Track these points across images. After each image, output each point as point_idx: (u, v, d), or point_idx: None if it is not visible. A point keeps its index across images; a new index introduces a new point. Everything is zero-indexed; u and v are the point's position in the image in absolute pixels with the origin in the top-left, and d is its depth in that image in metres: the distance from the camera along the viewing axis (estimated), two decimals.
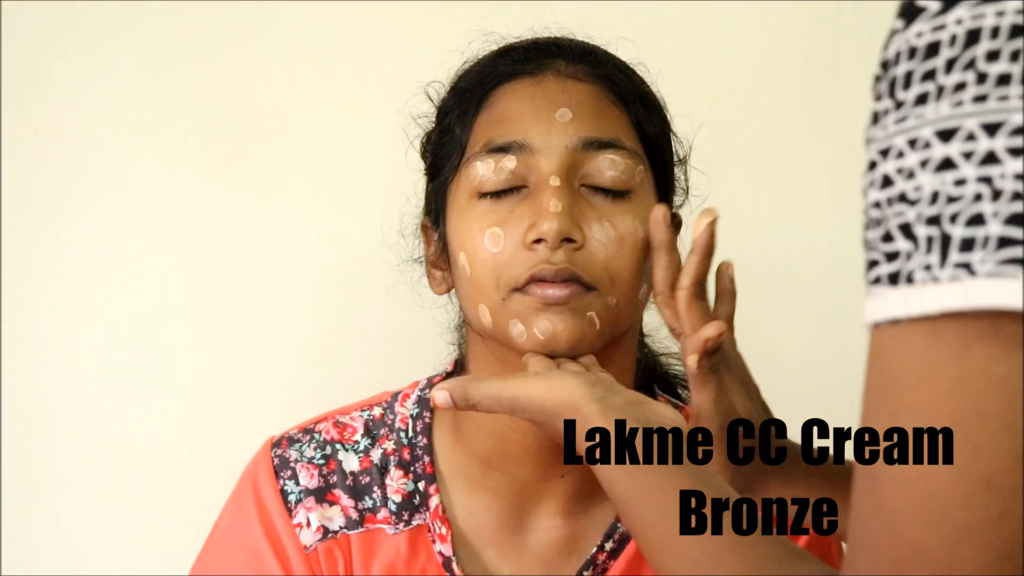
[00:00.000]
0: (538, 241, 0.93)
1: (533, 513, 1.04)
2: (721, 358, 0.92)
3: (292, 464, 1.05)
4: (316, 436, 1.06)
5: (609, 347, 0.98)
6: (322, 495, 1.04)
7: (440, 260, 1.04)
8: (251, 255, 1.46)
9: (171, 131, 1.45)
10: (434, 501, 1.04)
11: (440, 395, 0.90)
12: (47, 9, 1.43)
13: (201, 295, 1.46)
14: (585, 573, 1.03)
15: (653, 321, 1.11)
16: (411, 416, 1.07)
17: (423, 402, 1.08)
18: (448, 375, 1.08)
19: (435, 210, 1.04)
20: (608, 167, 0.97)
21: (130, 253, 1.45)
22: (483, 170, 0.97)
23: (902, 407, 0.49)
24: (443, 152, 1.03)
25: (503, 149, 0.97)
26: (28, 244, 1.44)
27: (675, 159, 1.07)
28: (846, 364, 1.49)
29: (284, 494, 1.04)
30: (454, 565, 1.02)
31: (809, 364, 1.51)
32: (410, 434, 1.06)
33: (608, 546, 1.03)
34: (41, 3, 1.43)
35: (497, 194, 0.97)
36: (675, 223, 1.07)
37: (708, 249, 0.92)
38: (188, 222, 1.46)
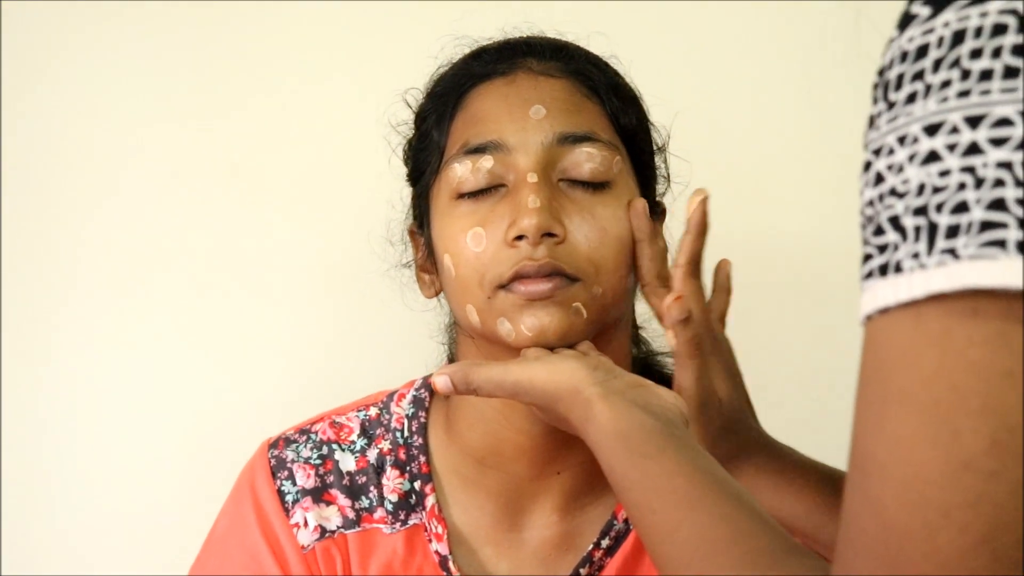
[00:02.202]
0: (519, 238, 0.94)
1: (529, 511, 1.04)
2: (707, 340, 0.93)
3: (289, 465, 1.05)
4: (312, 436, 1.07)
5: (600, 338, 0.98)
6: (319, 495, 1.04)
7: (428, 264, 1.05)
8: (247, 261, 1.47)
9: (166, 138, 1.46)
10: (430, 500, 1.04)
11: (440, 379, 0.90)
12: (47, 8, 1.42)
13: (199, 299, 1.46)
14: (582, 571, 1.03)
15: (646, 313, 1.12)
16: (406, 416, 1.07)
17: (418, 402, 1.08)
18: None
19: (419, 215, 1.05)
20: (585, 160, 0.97)
21: (128, 255, 1.45)
22: (461, 171, 0.97)
23: (888, 392, 0.51)
24: (423, 157, 1.04)
25: (480, 149, 0.97)
26: (28, 244, 1.44)
27: (654, 148, 1.07)
28: (829, 352, 1.52)
29: (281, 494, 1.04)
30: (450, 564, 1.02)
31: (793, 353, 1.52)
32: (405, 434, 1.07)
33: (604, 543, 1.03)
34: (41, 3, 1.42)
35: (477, 194, 0.97)
36: (659, 211, 1.07)
37: (702, 227, 0.95)
38: (185, 228, 1.46)
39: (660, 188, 1.09)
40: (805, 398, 1.50)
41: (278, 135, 1.47)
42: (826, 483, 0.94)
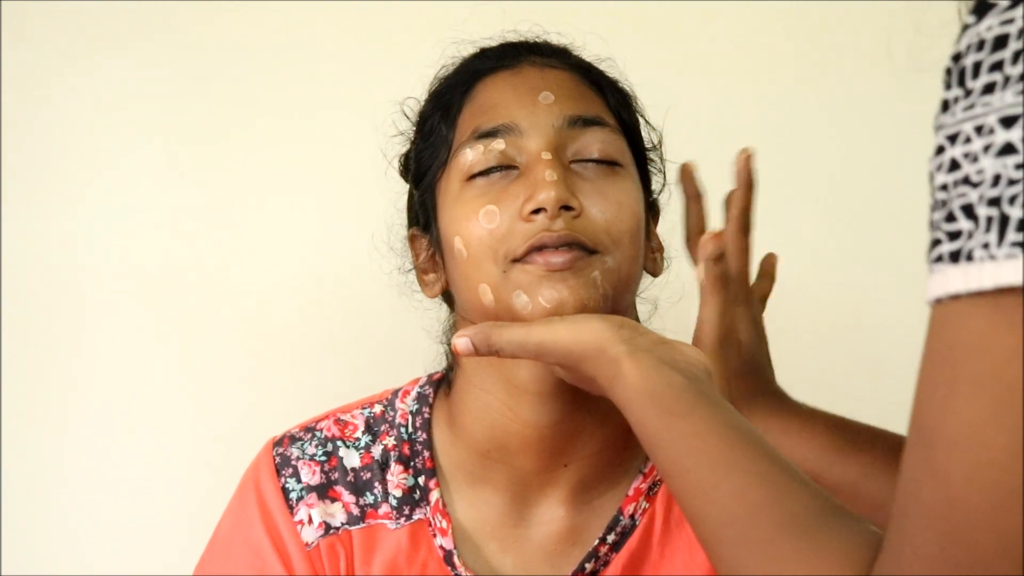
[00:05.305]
0: (537, 212, 0.94)
1: (536, 504, 1.04)
2: (737, 286, 0.99)
3: (294, 462, 1.05)
4: (317, 434, 1.07)
5: None
6: (324, 491, 1.04)
7: (431, 264, 1.05)
8: (250, 261, 1.47)
9: (171, 137, 1.46)
10: (434, 495, 1.04)
11: (461, 341, 0.90)
12: (47, 9, 1.43)
13: (202, 298, 1.46)
14: (587, 565, 1.03)
15: (647, 312, 1.12)
16: (411, 412, 1.07)
17: (422, 398, 1.08)
18: (447, 371, 1.09)
19: (424, 213, 1.05)
20: (596, 141, 0.98)
21: (132, 257, 1.46)
22: (472, 155, 0.98)
23: (959, 374, 0.52)
24: (428, 154, 1.04)
25: (491, 133, 0.98)
26: (29, 242, 1.44)
27: (650, 146, 1.09)
28: (832, 351, 1.52)
29: (285, 492, 1.04)
30: (455, 559, 1.02)
31: (797, 351, 1.52)
32: (410, 429, 1.07)
33: (610, 538, 1.03)
34: (41, 3, 1.43)
35: (488, 175, 0.98)
36: (654, 211, 1.09)
37: (748, 181, 1.01)
38: (189, 227, 1.47)
39: (656, 185, 1.10)
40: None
41: (282, 143, 1.48)
42: (835, 428, 0.98)
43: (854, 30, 1.53)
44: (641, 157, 1.06)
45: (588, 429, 1.01)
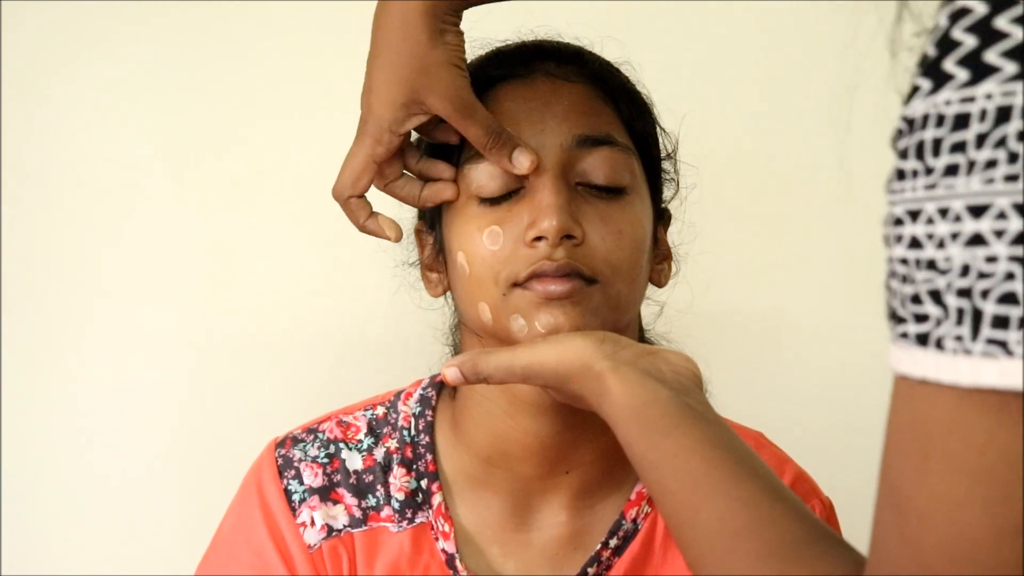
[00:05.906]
0: (538, 239, 0.94)
1: (537, 510, 1.04)
2: None
3: (296, 464, 1.05)
4: (320, 436, 1.07)
5: None
6: (326, 494, 1.04)
7: (435, 263, 1.04)
8: (251, 261, 1.47)
9: (170, 137, 1.46)
10: (436, 499, 1.04)
11: (450, 371, 0.90)
12: (47, 9, 1.43)
13: (202, 299, 1.46)
14: (589, 570, 1.03)
15: (651, 315, 1.12)
16: (413, 414, 1.07)
17: (425, 400, 1.08)
18: None
19: (430, 214, 1.05)
20: (603, 163, 0.97)
21: (131, 257, 1.45)
22: (478, 175, 0.97)
23: (932, 450, 0.50)
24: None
25: None
26: (29, 246, 1.44)
27: (663, 154, 1.08)
28: (851, 355, 1.51)
29: (288, 494, 1.04)
30: (457, 562, 1.03)
31: (809, 352, 1.52)
32: (412, 432, 1.07)
33: (612, 543, 1.04)
34: (41, 3, 1.42)
35: (494, 196, 0.97)
36: (664, 217, 1.08)
37: None
38: (188, 227, 1.46)
39: (668, 192, 1.09)
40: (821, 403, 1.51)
41: (283, 138, 1.48)
42: None
43: (881, 35, 1.53)
44: (653, 167, 1.05)
45: (588, 438, 1.01)
